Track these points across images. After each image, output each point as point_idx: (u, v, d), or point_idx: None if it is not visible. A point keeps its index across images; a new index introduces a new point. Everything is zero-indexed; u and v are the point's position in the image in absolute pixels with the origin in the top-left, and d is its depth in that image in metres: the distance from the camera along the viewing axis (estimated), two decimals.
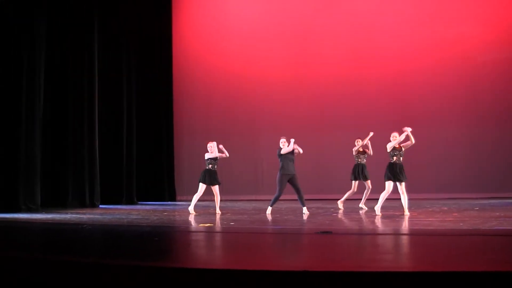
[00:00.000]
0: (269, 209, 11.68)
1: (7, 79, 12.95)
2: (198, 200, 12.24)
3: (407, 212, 10.87)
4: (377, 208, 10.98)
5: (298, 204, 11.81)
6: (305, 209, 11.53)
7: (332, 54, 17.44)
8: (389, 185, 10.79)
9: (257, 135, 17.75)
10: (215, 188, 12.05)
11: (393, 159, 10.79)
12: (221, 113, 18.01)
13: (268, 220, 10.58)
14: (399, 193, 10.87)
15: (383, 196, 10.91)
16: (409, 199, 12.97)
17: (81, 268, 5.07)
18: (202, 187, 12.01)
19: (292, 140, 11.44)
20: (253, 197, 17.27)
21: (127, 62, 16.76)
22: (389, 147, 10.78)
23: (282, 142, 11.61)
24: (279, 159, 11.56)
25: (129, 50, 16.87)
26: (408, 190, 14.65)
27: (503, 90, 16.47)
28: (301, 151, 11.66)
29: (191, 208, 12.11)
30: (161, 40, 18.14)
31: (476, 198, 15.27)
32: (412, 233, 8.13)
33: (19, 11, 13.02)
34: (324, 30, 17.63)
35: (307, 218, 10.73)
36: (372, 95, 16.94)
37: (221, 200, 12.29)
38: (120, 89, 16.49)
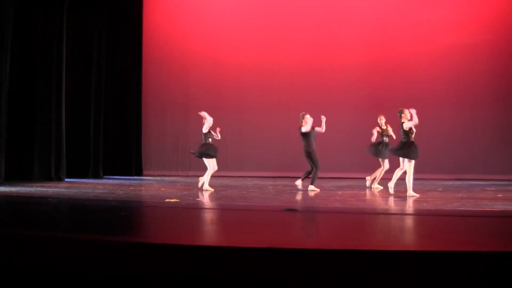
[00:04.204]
0: (311, 186, 11.76)
1: None
2: (167, 176, 12.27)
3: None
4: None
5: (265, 181, 11.88)
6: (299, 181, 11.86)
7: (310, 38, 17.27)
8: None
9: (223, 114, 17.64)
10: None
11: (413, 137, 10.60)
12: (190, 91, 17.88)
13: (238, 196, 10.62)
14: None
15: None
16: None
17: (46, 243, 5.05)
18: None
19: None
20: (221, 174, 17.30)
21: (97, 35, 16.52)
22: (407, 126, 10.60)
23: (307, 119, 11.79)
24: (302, 137, 11.80)
25: (99, 25, 16.61)
26: (373, 171, 14.79)
27: (480, 74, 16.58)
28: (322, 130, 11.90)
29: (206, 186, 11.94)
30: (132, 15, 17.86)
31: (441, 179, 15.48)
32: (376, 213, 8.25)
33: None
34: (303, 14, 17.42)
35: (274, 195, 10.79)
36: (354, 80, 16.88)
37: (192, 176, 12.25)
38: (89, 62, 16.27)
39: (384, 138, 12.48)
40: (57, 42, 14.72)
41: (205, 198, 10.36)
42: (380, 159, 12.55)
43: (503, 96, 16.52)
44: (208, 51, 17.79)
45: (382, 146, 12.43)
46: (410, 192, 10.41)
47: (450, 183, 14.49)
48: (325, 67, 17.10)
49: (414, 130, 10.62)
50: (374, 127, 12.62)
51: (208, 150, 11.83)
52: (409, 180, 10.46)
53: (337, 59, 17.11)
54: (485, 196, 10.68)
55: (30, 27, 14.41)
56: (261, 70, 17.41)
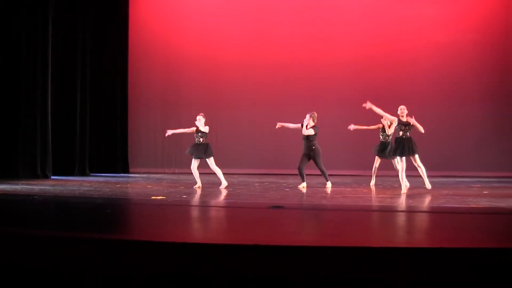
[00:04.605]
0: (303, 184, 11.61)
1: None
2: (154, 173, 12.19)
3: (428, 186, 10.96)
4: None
5: (250, 179, 11.85)
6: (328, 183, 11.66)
7: (302, 35, 17.22)
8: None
9: (212, 111, 17.62)
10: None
11: (399, 133, 10.61)
12: (176, 88, 17.81)
13: (225, 194, 10.61)
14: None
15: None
16: (363, 176, 13.21)
17: (31, 240, 5.02)
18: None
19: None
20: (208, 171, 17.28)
21: (83, 32, 16.44)
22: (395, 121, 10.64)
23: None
24: None
25: (85, 21, 16.52)
26: (362, 167, 14.84)
27: (469, 72, 16.66)
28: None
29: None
30: (118, 11, 17.74)
31: (427, 176, 15.52)
32: (362, 209, 8.27)
33: None
34: (297, 10, 17.36)
35: (260, 192, 10.79)
36: (344, 78, 16.86)
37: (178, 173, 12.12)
38: (75, 59, 16.15)
39: (388, 138, 12.40)
40: (43, 38, 14.59)
41: (196, 195, 10.35)
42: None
43: (492, 94, 16.63)
44: (195, 47, 17.71)
45: (387, 146, 12.31)
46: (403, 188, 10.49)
47: (436, 180, 14.53)
48: (316, 64, 17.07)
49: (402, 126, 10.63)
50: (365, 124, 12.60)
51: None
52: (400, 176, 10.53)
53: (328, 56, 17.08)
54: (471, 193, 10.74)
55: (15, 23, 14.29)
56: (253, 67, 17.33)
